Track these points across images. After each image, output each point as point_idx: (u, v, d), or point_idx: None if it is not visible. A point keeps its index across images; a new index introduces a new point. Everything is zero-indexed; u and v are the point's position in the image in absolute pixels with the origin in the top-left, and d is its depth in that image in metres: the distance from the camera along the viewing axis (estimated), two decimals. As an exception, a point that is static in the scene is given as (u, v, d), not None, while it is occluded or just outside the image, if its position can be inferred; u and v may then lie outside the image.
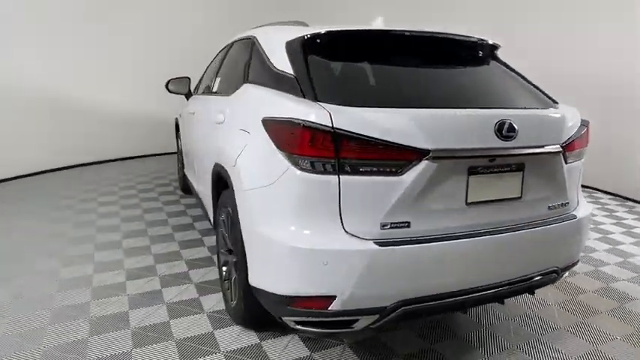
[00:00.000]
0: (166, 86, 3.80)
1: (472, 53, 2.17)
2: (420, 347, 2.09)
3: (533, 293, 2.04)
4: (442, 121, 1.62)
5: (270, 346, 2.04)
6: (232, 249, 2.06)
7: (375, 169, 1.51)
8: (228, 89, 2.52)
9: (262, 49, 2.18)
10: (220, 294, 2.47)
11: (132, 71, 6.75)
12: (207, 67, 3.78)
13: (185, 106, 4.00)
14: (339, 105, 1.56)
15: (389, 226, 1.55)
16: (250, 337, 2.10)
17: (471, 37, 2.07)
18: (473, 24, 4.56)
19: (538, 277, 1.88)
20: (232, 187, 1.93)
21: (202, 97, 3.39)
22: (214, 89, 3.04)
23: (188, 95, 3.94)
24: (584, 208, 2.05)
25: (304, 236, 1.54)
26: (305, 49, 1.86)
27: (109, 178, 5.61)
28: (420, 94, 1.85)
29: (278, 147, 1.61)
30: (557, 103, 2.09)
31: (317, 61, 1.84)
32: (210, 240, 3.35)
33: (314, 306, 1.58)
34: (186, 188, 4.44)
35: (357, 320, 1.66)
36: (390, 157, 1.51)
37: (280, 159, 1.59)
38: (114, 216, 4.00)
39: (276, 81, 1.88)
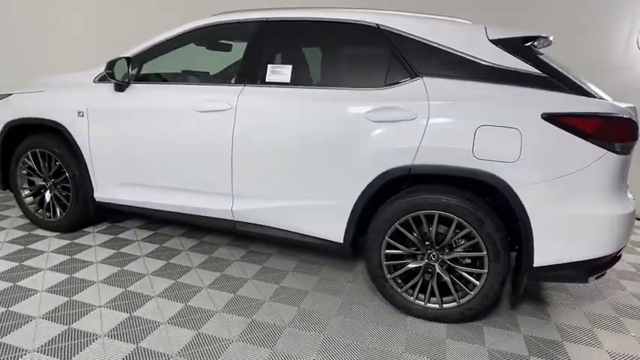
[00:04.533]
0: (111, 70, 2.50)
1: None
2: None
3: None
4: None
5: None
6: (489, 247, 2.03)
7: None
8: (354, 82, 2.23)
9: (437, 43, 2.11)
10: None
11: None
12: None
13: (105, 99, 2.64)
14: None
15: None
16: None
17: None
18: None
19: None
20: (506, 184, 1.93)
21: (264, 89, 2.36)
22: (273, 79, 2.32)
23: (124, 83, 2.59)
24: None
25: (626, 204, 1.97)
26: (526, 48, 2.06)
27: None
28: None
29: (586, 137, 1.85)
30: None
31: (538, 59, 2.04)
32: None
33: (610, 259, 1.99)
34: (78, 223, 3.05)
35: None
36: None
37: (591, 147, 1.85)
38: None
39: (502, 77, 2.01)
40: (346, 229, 2.25)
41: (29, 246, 2.83)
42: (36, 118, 2.86)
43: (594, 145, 1.85)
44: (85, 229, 3.13)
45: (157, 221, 3.35)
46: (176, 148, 2.53)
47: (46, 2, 5.72)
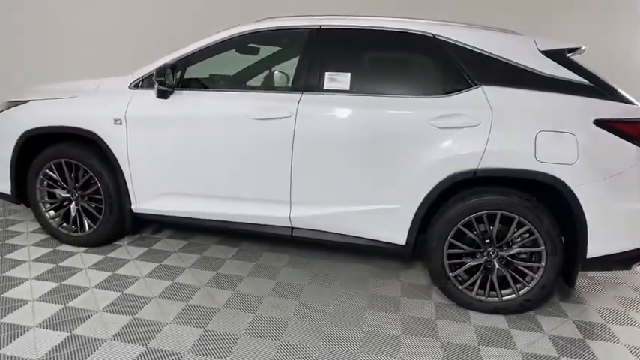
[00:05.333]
0: (163, 78, 2.42)
1: None
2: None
3: None
4: None
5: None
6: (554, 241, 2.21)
7: None
8: (413, 90, 2.32)
9: (492, 53, 2.25)
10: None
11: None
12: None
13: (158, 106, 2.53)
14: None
15: None
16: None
17: None
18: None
19: None
20: (566, 184, 2.10)
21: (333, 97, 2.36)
22: (331, 87, 2.34)
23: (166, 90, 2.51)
24: None
25: None
26: (570, 58, 2.24)
27: None
28: None
29: (631, 140, 2.08)
30: None
31: (583, 68, 2.23)
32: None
33: None
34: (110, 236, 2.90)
35: None
36: None
37: (636, 149, 2.08)
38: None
39: (553, 85, 2.18)
40: (409, 231, 2.34)
41: (61, 264, 2.66)
42: (64, 127, 2.68)
43: (638, 147, 2.09)
44: (115, 243, 2.99)
45: (189, 230, 3.26)
46: (229, 156, 2.49)
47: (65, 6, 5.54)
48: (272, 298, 2.39)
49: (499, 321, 2.28)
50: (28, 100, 2.81)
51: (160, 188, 2.66)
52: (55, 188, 2.86)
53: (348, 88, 2.36)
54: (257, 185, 2.51)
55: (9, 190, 2.90)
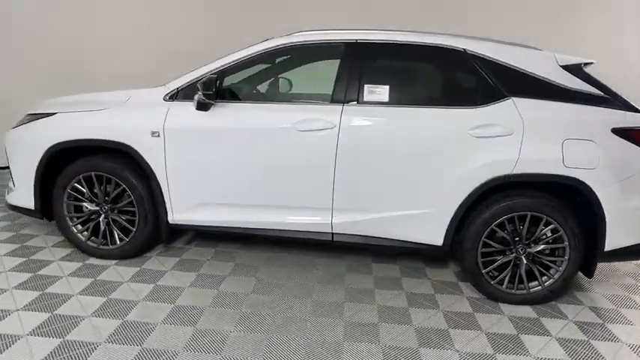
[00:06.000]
0: (211, 91, 2.45)
1: None
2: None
3: None
4: None
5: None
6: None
7: None
8: (448, 101, 2.53)
9: (519, 68, 2.49)
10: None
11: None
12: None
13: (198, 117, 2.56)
14: None
15: None
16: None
17: None
18: None
19: None
20: (589, 187, 2.35)
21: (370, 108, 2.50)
22: (371, 99, 2.49)
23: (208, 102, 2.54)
24: None
25: None
26: (586, 71, 2.50)
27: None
28: None
29: None
30: None
31: (598, 82, 2.50)
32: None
33: None
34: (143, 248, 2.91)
35: None
36: None
37: None
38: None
39: (574, 97, 2.44)
40: (446, 233, 2.53)
41: (99, 277, 2.63)
42: (97, 140, 2.64)
43: None
44: (144, 255, 2.97)
45: (214, 238, 3.29)
46: (272, 166, 2.57)
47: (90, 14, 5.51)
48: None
49: (528, 311, 2.52)
50: (54, 113, 2.73)
51: (198, 199, 2.69)
52: (83, 201, 2.81)
53: (387, 99, 2.51)
54: (300, 193, 2.60)
55: (32, 204, 2.82)
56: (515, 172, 2.38)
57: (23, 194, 2.84)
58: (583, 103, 2.43)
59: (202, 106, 2.55)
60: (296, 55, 2.90)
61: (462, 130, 2.41)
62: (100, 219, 2.82)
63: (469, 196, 2.44)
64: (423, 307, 2.51)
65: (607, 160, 2.35)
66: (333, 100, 2.56)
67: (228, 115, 2.57)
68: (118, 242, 2.83)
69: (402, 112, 2.49)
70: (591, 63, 2.54)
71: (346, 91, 2.54)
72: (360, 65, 2.56)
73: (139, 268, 2.77)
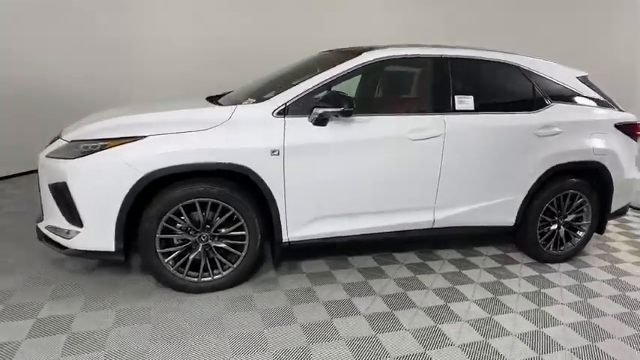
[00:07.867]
0: (353, 107, 2.50)
1: None
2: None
3: None
4: None
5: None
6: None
7: None
8: (516, 107, 3.07)
9: (554, 79, 3.22)
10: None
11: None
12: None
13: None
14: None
15: None
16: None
17: None
18: None
19: None
20: (606, 167, 3.23)
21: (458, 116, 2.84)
22: (461, 107, 2.86)
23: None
24: None
25: None
26: (589, 81, 3.37)
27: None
28: None
29: (632, 136, 3.33)
30: None
31: (599, 89, 3.38)
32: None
33: None
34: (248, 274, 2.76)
35: None
36: None
37: (634, 142, 3.34)
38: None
39: (587, 101, 3.27)
40: (517, 214, 3.12)
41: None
42: (205, 164, 2.36)
43: (634, 140, 3.36)
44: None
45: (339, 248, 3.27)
46: (389, 174, 2.75)
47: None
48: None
49: (546, 268, 3.29)
50: (143, 137, 2.32)
51: (316, 213, 2.68)
52: (178, 233, 2.48)
53: (473, 108, 2.92)
54: (409, 196, 2.85)
55: (112, 246, 2.36)
56: (565, 161, 3.11)
57: (95, 235, 2.36)
58: (595, 106, 3.27)
59: (321, 122, 2.55)
60: (382, 69, 3.07)
61: (530, 130, 3.01)
62: (199, 249, 2.54)
63: (536, 182, 3.08)
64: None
65: (614, 147, 3.23)
66: (434, 110, 2.87)
67: (345, 128, 2.63)
68: (222, 271, 2.61)
69: (484, 118, 2.95)
70: (586, 75, 3.41)
71: (442, 102, 2.87)
72: (448, 78, 2.91)
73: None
